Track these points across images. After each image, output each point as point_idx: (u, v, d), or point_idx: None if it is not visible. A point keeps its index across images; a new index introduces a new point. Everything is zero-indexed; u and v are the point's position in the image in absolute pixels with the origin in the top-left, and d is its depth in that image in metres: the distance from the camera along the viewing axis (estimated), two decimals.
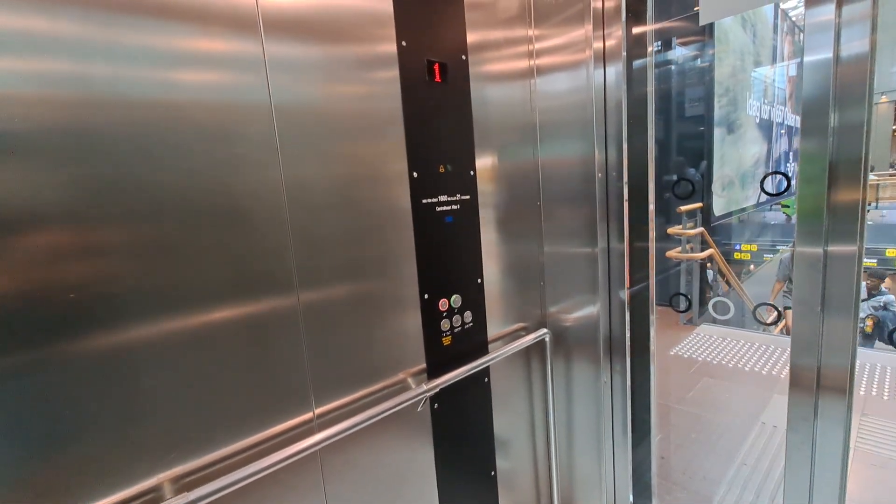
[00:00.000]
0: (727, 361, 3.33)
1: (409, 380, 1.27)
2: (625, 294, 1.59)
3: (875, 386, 2.85)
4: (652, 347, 1.69)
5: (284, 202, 0.99)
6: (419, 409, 1.29)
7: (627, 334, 1.62)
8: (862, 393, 2.76)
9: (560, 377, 1.74)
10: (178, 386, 0.87)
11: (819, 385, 1.20)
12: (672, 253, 3.76)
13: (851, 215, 1.11)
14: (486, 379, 1.52)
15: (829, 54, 1.08)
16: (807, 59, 1.12)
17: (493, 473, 1.57)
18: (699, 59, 4.58)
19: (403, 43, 1.18)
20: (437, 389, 1.28)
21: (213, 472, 0.92)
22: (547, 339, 1.65)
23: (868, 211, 1.13)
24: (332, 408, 1.11)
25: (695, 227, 3.86)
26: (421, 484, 1.34)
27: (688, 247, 3.91)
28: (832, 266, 1.15)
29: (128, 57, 0.79)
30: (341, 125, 1.08)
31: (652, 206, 1.65)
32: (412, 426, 1.31)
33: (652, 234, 1.67)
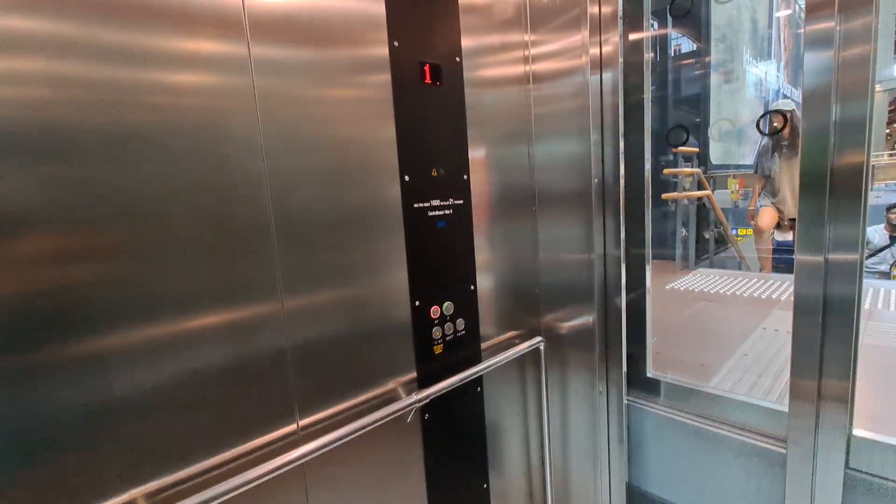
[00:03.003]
0: (725, 291, 3.23)
1: (399, 389, 1.23)
2: (621, 301, 1.55)
3: None
4: (649, 359, 1.66)
5: (269, 206, 0.96)
6: (409, 420, 1.24)
7: (624, 343, 1.59)
8: None
9: (555, 386, 1.71)
10: (153, 396, 0.83)
11: (820, 396, 1.17)
12: (668, 195, 3.73)
13: (853, 223, 1.09)
14: (479, 388, 1.48)
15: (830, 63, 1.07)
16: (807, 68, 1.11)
17: (485, 486, 1.53)
18: None
19: (396, 43, 1.15)
20: (428, 400, 1.23)
21: (190, 488, 0.87)
22: (541, 348, 1.61)
23: None
24: (318, 419, 1.07)
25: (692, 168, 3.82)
26: (410, 498, 1.30)
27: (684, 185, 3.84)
28: (833, 272, 1.12)
29: (105, 56, 0.76)
30: (330, 126, 1.05)
31: (649, 212, 1.62)
32: (402, 438, 1.26)
33: (648, 240, 1.64)
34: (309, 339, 1.04)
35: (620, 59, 1.48)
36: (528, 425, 1.70)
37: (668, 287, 3.40)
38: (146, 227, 0.81)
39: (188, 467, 0.88)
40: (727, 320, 2.53)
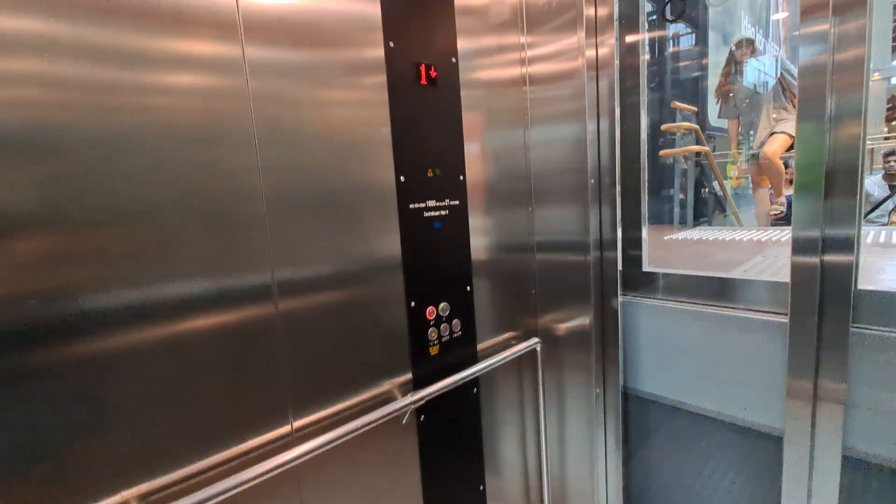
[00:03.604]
0: (724, 238, 3.21)
1: (395, 391, 1.23)
2: (617, 303, 1.55)
3: None
4: None
5: (263, 205, 0.95)
6: (404, 422, 1.24)
7: (621, 345, 1.59)
8: None
9: (552, 388, 1.70)
10: (145, 397, 0.82)
11: (816, 396, 1.17)
12: (666, 151, 3.71)
13: (848, 224, 1.09)
14: (475, 389, 1.48)
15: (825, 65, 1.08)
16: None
17: (482, 488, 1.52)
18: None
19: (391, 44, 1.15)
20: (424, 401, 1.23)
21: (182, 489, 0.86)
22: (538, 349, 1.61)
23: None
24: (312, 420, 1.06)
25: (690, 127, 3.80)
26: (406, 500, 1.29)
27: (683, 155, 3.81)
28: (828, 273, 1.12)
29: (95, 57, 0.75)
30: (325, 127, 1.05)
31: (646, 211, 1.63)
32: (397, 439, 1.26)
33: (645, 242, 1.64)
34: (303, 340, 1.03)
35: (616, 61, 1.49)
36: (525, 427, 1.70)
37: (665, 238, 3.40)
38: (137, 229, 0.80)
39: (180, 469, 0.87)
40: (726, 253, 2.54)
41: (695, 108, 4.12)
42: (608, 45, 1.49)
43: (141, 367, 0.82)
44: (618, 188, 1.52)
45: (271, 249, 0.97)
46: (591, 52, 1.50)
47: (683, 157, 3.88)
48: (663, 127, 3.67)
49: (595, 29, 1.50)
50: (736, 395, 1.39)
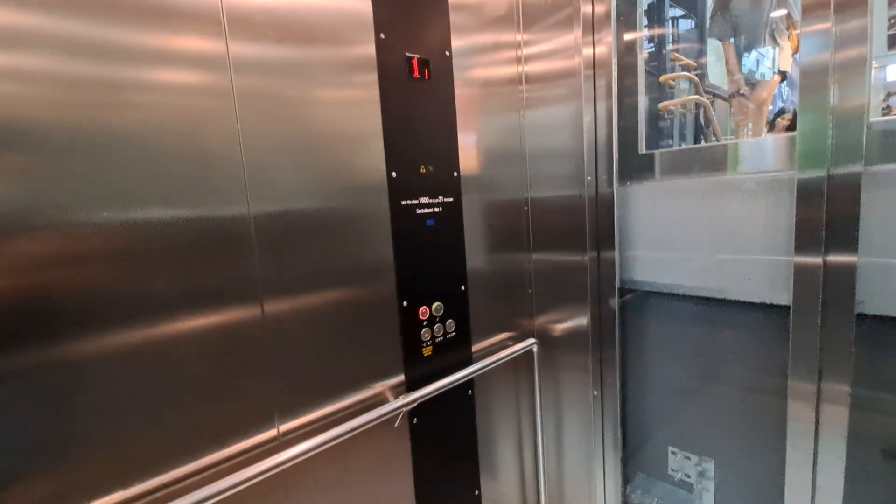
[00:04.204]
0: None
1: (387, 393, 1.19)
2: (615, 303, 1.52)
3: None
4: None
5: (248, 205, 0.92)
6: (396, 425, 1.20)
7: (618, 346, 1.55)
8: None
9: (548, 390, 1.67)
10: (126, 401, 0.79)
11: (820, 399, 1.14)
12: (664, 104, 3.62)
13: (851, 227, 1.06)
14: (470, 392, 1.44)
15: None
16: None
17: (476, 493, 1.48)
18: None
19: (382, 35, 1.12)
20: (416, 403, 1.19)
21: (164, 496, 0.83)
22: (534, 350, 1.58)
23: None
24: (300, 424, 1.02)
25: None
26: None
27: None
28: (830, 272, 1.09)
29: (74, 53, 0.72)
30: (312, 120, 1.02)
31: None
32: (389, 443, 1.22)
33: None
34: (290, 340, 1.00)
35: (614, 59, 1.46)
36: (521, 429, 1.66)
37: None
38: (119, 229, 0.77)
39: (162, 474, 0.83)
40: None
41: (694, 63, 3.95)
42: (605, 44, 1.46)
43: (120, 370, 0.78)
44: (615, 186, 1.48)
45: (256, 248, 0.93)
46: (588, 51, 1.48)
47: (681, 108, 3.73)
48: (662, 78, 3.53)
49: (592, 26, 1.47)
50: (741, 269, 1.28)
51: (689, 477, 1.54)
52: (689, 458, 1.52)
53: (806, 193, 1.11)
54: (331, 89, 1.05)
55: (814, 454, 1.17)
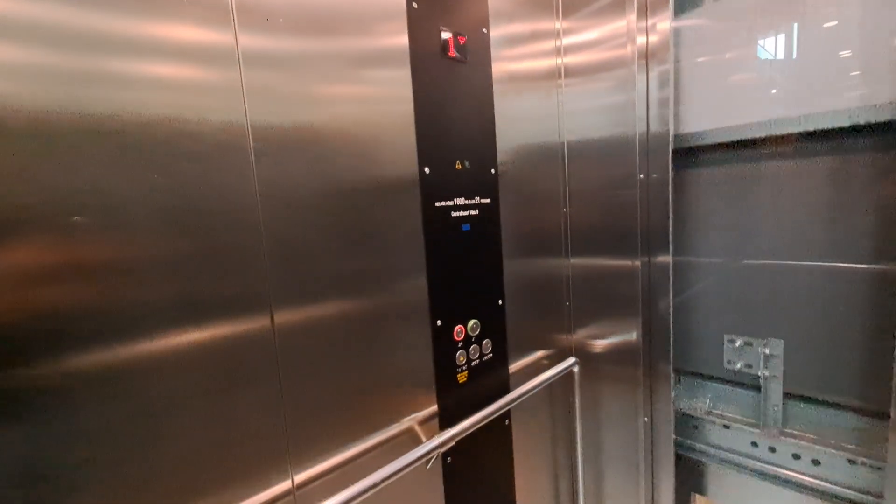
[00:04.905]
0: None
1: (417, 429, 1.01)
2: (669, 315, 1.33)
3: None
4: None
5: (258, 208, 0.73)
6: (429, 467, 1.02)
7: (671, 363, 1.37)
8: None
9: (590, 415, 1.48)
10: (103, 445, 0.60)
11: None
12: None
13: None
14: (507, 421, 1.26)
15: None
16: None
17: None
18: None
19: (414, 4, 0.94)
20: (453, 442, 1.01)
21: None
22: (575, 371, 1.40)
23: None
24: (318, 473, 0.84)
25: None
26: None
27: None
28: None
29: (58, 41, 0.56)
30: (332, 103, 0.83)
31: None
32: (419, 486, 1.04)
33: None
34: (307, 371, 0.81)
35: (672, 50, 1.27)
36: (558, 463, 1.48)
37: None
38: (109, 238, 0.59)
39: None
40: None
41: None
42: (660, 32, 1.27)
43: (111, 402, 0.60)
44: (670, 192, 1.29)
45: (267, 258, 0.75)
46: (641, 38, 1.29)
47: None
48: None
49: (646, 11, 1.28)
50: None
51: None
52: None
53: None
54: (352, 63, 0.86)
55: None
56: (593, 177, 1.40)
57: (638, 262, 1.34)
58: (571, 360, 1.39)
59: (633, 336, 1.38)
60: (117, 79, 0.60)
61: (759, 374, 1.29)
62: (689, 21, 1.31)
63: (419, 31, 0.95)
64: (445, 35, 1.00)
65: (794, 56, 1.14)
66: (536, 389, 1.24)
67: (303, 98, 0.79)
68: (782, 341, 1.26)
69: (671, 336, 1.34)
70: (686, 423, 1.43)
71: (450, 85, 1.03)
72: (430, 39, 0.98)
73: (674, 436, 1.35)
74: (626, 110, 1.31)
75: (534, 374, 1.29)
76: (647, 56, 1.29)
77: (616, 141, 1.33)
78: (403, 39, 0.93)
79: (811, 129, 1.13)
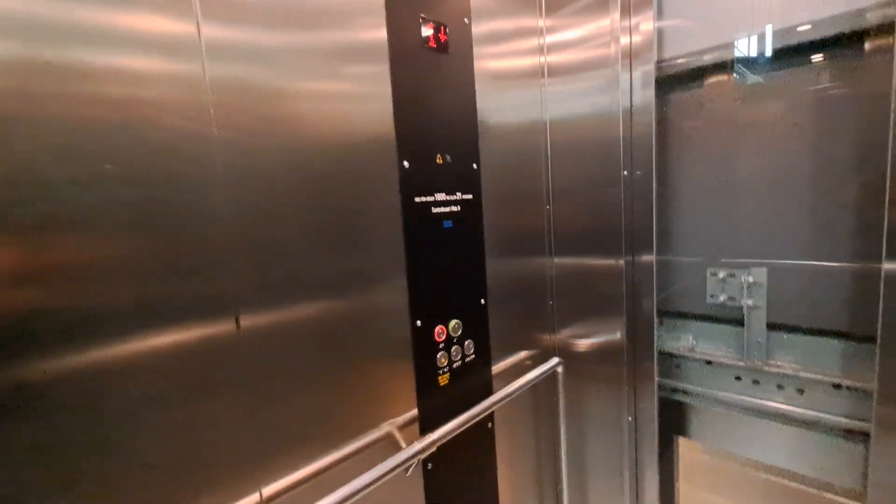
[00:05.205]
0: None
1: (396, 434, 0.96)
2: (653, 314, 1.32)
3: None
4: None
5: (222, 196, 0.68)
6: (409, 474, 0.98)
7: (655, 362, 1.35)
8: None
9: (573, 416, 1.46)
10: (52, 457, 0.54)
11: None
12: None
13: None
14: (490, 424, 1.22)
15: None
16: None
17: None
18: None
19: None
20: (434, 448, 0.97)
21: None
22: (559, 371, 1.37)
23: None
24: (289, 484, 0.79)
25: None
26: None
27: None
28: None
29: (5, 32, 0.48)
30: (304, 92, 0.79)
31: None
32: (398, 495, 0.99)
33: None
34: (276, 376, 0.76)
35: (655, 50, 1.25)
36: (542, 464, 1.45)
37: None
38: (58, 235, 0.52)
39: None
40: None
41: None
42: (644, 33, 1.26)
43: (54, 421, 0.54)
44: (653, 188, 1.27)
45: (233, 255, 0.70)
46: (625, 38, 1.28)
47: None
48: None
49: (629, 9, 1.26)
50: None
51: None
52: None
53: None
54: (329, 56, 0.82)
55: None
56: (577, 174, 1.37)
57: (622, 261, 1.32)
58: (555, 360, 1.37)
59: (617, 335, 1.36)
60: (71, 67, 0.55)
61: (743, 304, 1.26)
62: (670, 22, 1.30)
63: (398, 19, 0.91)
64: (425, 23, 0.96)
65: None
66: (520, 391, 1.21)
67: (271, 85, 0.74)
68: (765, 269, 1.23)
69: (655, 336, 1.32)
70: (668, 363, 1.40)
71: (430, 74, 0.99)
72: (409, 28, 0.93)
73: (656, 378, 1.33)
74: (610, 108, 1.29)
75: (517, 376, 1.26)
76: (631, 56, 1.28)
77: (600, 138, 1.32)
78: (381, 25, 0.89)
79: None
